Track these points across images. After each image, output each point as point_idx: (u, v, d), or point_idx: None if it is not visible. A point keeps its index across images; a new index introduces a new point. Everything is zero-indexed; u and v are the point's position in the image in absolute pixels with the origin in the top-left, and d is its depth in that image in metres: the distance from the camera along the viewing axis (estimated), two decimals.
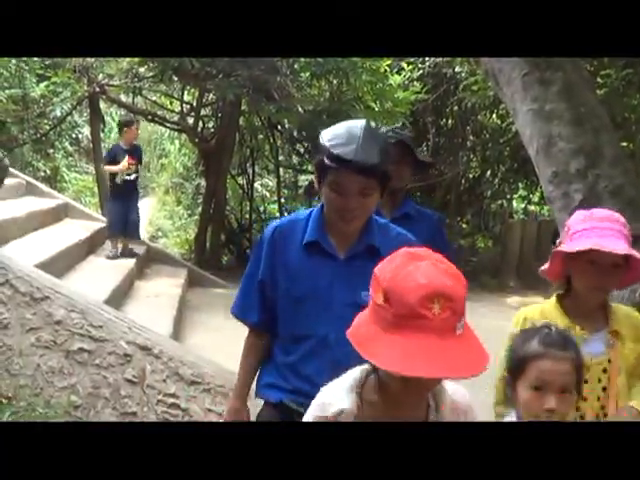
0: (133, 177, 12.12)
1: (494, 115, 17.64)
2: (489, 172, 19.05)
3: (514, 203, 20.58)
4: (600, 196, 4.08)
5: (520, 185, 19.41)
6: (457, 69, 15.95)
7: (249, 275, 3.46)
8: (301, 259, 3.27)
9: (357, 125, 3.07)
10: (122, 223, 11.87)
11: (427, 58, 16.57)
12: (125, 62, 15.00)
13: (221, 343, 8.91)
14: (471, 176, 18.96)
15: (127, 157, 11.79)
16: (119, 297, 9.26)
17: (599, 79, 11.57)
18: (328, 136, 3.09)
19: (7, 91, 17.45)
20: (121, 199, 11.92)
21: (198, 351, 6.94)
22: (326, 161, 3.03)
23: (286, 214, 20.05)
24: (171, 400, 5.69)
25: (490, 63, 5.12)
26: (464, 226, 20.02)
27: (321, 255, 3.27)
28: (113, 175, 11.95)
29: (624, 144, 12.86)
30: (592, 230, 3.16)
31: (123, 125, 12.43)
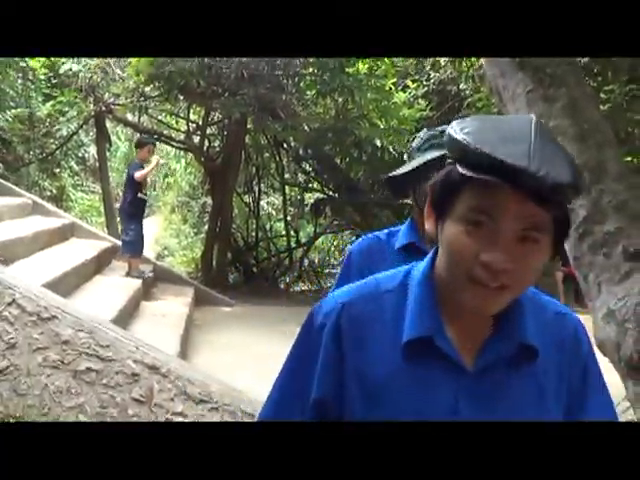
0: (147, 197, 12.22)
1: None
2: None
3: None
4: (604, 211, 4.08)
5: None
6: (462, 86, 15.97)
7: (289, 379, 1.79)
8: (398, 367, 1.67)
9: (519, 119, 1.64)
10: (142, 242, 11.96)
11: (432, 75, 16.61)
12: (131, 81, 15.04)
13: (228, 361, 8.92)
14: None
15: (156, 159, 11.96)
16: (126, 316, 9.24)
17: (602, 94, 11.57)
18: (464, 127, 1.60)
19: (13, 110, 17.53)
20: (138, 218, 11.98)
21: (205, 370, 6.93)
22: (461, 171, 1.55)
23: (292, 232, 20.13)
24: (179, 419, 5.68)
25: (494, 80, 5.12)
26: None
27: (435, 361, 1.66)
28: (135, 191, 11.94)
29: (629, 159, 12.87)
30: None
31: (135, 146, 12.64)
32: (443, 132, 2.97)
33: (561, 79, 4.67)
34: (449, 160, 1.65)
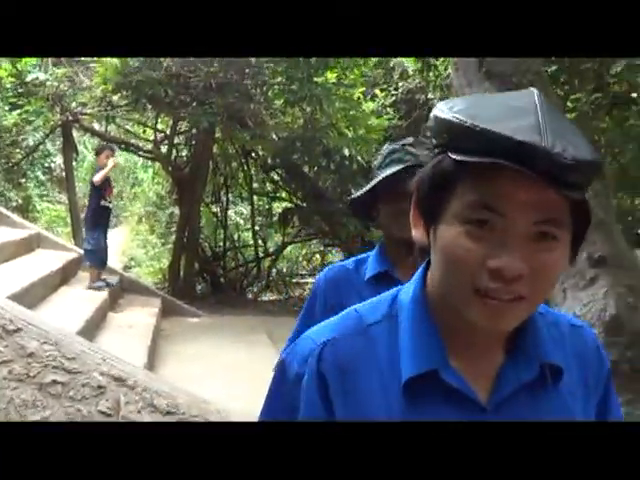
0: (111, 205, 12.12)
1: None
2: None
3: None
4: None
5: None
6: (430, 95, 16.01)
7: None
8: (400, 411, 1.40)
9: (519, 93, 1.39)
10: (105, 252, 11.85)
11: (400, 84, 16.64)
12: (99, 90, 14.94)
13: (196, 372, 8.86)
14: None
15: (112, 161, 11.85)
16: (92, 328, 9.17)
17: (569, 103, 11.64)
18: (453, 105, 1.34)
19: None
20: (101, 227, 11.87)
21: (173, 381, 6.87)
22: (454, 157, 1.30)
23: (260, 242, 20.09)
24: None
25: (461, 89, 5.14)
26: None
27: (443, 399, 1.40)
28: (98, 199, 11.84)
29: None
30: None
31: (95, 154, 12.59)
32: (404, 146, 2.82)
33: (527, 88, 4.67)
34: (436, 150, 1.36)
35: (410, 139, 2.86)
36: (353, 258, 3.00)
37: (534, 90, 1.35)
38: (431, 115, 1.37)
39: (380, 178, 2.75)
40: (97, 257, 11.80)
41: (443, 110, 1.33)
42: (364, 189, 2.84)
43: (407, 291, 1.47)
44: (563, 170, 1.22)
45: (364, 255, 2.96)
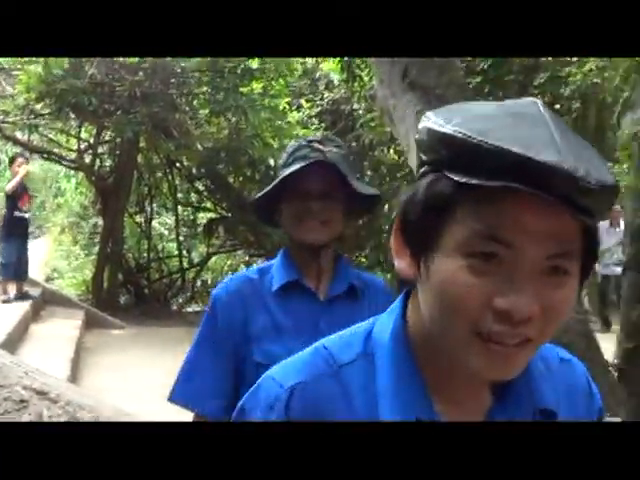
0: (28, 215, 11.90)
1: (391, 151, 17.84)
2: (387, 207, 19.23)
3: None
4: None
5: None
6: (355, 106, 16.10)
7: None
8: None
9: (521, 102, 1.20)
10: (17, 264, 11.59)
11: (325, 95, 16.71)
12: (21, 98, 14.72)
13: (120, 385, 8.77)
14: None
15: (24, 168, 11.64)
16: (14, 341, 9.04)
17: None
18: (449, 117, 1.15)
19: None
20: (16, 238, 11.64)
21: (96, 394, 6.80)
22: (456, 178, 1.10)
23: (185, 253, 19.98)
24: None
25: (385, 100, 5.18)
26: (363, 260, 20.13)
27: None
28: (11, 209, 11.62)
29: None
30: None
31: (9, 163, 12.37)
32: (311, 142, 2.54)
33: (449, 100, 4.74)
34: (424, 169, 1.16)
35: (318, 136, 2.71)
36: (256, 267, 2.74)
37: (537, 100, 1.18)
38: (421, 127, 1.18)
39: (283, 176, 2.45)
40: (9, 270, 11.57)
41: (438, 122, 1.14)
42: (266, 189, 2.51)
43: (384, 326, 1.27)
44: (586, 195, 1.05)
45: (267, 263, 2.68)
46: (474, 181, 1.06)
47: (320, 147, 2.51)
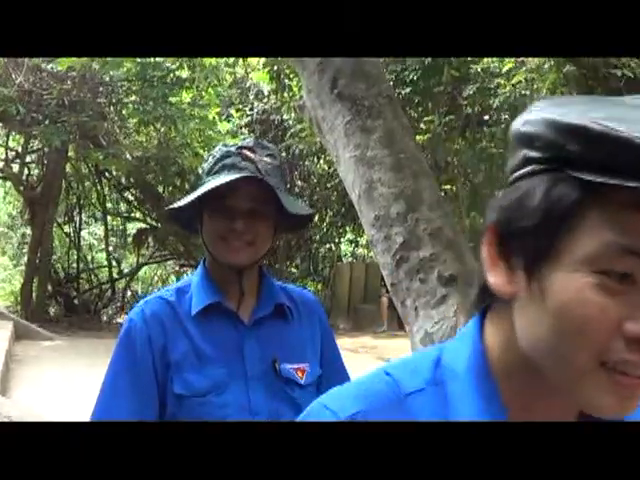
0: None
1: (321, 161, 17.94)
2: (317, 217, 19.32)
3: (342, 246, 20.94)
4: (420, 238, 4.19)
5: (348, 229, 19.83)
6: (285, 116, 16.15)
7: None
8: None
9: None
10: None
11: (255, 105, 16.74)
12: None
13: (50, 396, 8.68)
14: None
15: None
16: None
17: (422, 125, 11.95)
18: (576, 107, 0.96)
19: None
20: None
21: (26, 406, 6.73)
22: (589, 178, 0.89)
23: (114, 263, 19.82)
24: None
25: (314, 111, 5.21)
26: (294, 270, 20.20)
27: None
28: None
29: (447, 187, 13.33)
30: None
31: None
32: (241, 150, 2.24)
33: (379, 111, 4.80)
34: (533, 168, 0.96)
35: (249, 141, 2.36)
36: (172, 286, 2.42)
37: None
38: (532, 119, 0.98)
39: (208, 188, 2.16)
40: None
41: (561, 113, 0.94)
42: (187, 198, 2.27)
43: (457, 352, 1.09)
44: None
45: (185, 282, 2.40)
46: (614, 181, 0.87)
47: (251, 156, 2.23)
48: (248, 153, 2.24)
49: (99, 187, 18.41)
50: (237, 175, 2.16)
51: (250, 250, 2.24)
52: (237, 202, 2.19)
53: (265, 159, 2.26)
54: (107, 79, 14.25)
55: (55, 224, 17.84)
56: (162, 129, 15.00)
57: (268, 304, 2.32)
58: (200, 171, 2.39)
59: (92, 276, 19.91)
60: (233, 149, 2.25)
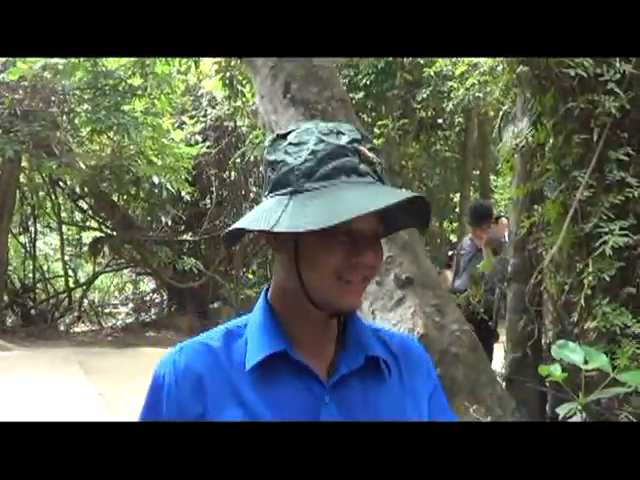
0: None
1: None
2: None
3: None
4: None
5: None
6: (239, 123, 16.12)
7: None
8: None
9: None
10: None
11: (209, 112, 16.69)
12: None
13: (7, 407, 8.59)
14: None
15: None
16: None
17: (376, 129, 11.97)
18: None
19: None
20: None
21: None
22: None
23: (71, 272, 19.66)
24: None
25: (267, 116, 5.21)
26: (250, 277, 20.15)
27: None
28: None
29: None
30: None
31: None
32: (355, 144, 1.61)
33: (332, 115, 4.82)
34: None
35: (352, 129, 1.66)
36: (220, 328, 1.73)
37: None
38: None
39: (361, 212, 1.47)
40: None
41: None
42: (299, 219, 1.51)
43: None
44: None
45: (238, 322, 1.74)
46: None
47: (370, 157, 1.62)
48: (367, 152, 1.62)
49: (53, 197, 18.26)
50: (378, 188, 1.59)
51: (364, 287, 1.66)
52: (364, 225, 1.59)
53: (377, 157, 1.65)
54: (59, 88, 14.14)
55: (10, 235, 17.67)
56: (115, 137, 14.89)
57: (357, 356, 1.67)
58: (284, 168, 1.60)
59: (48, 286, 19.75)
60: (344, 142, 1.60)
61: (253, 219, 1.60)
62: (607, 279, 4.36)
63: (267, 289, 1.73)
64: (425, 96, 12.65)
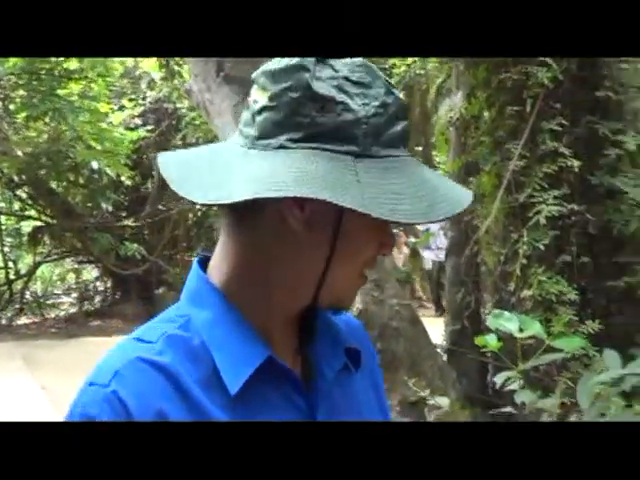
0: None
1: None
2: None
3: None
4: None
5: None
6: (178, 105, 15.98)
7: None
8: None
9: None
10: None
11: (147, 94, 16.53)
12: None
13: None
14: (198, 209, 18.96)
15: None
16: None
17: None
18: None
19: None
20: None
21: None
22: None
23: (11, 264, 19.40)
24: None
25: (201, 94, 5.16)
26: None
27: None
28: None
29: None
30: None
31: None
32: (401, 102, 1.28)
33: None
34: None
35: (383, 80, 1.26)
36: (154, 330, 1.26)
37: None
38: None
39: (456, 211, 1.23)
40: None
41: None
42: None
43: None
44: None
45: (174, 319, 1.28)
46: None
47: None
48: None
49: None
50: (435, 173, 1.36)
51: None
52: None
53: None
54: None
55: None
56: (52, 123, 14.69)
57: (335, 351, 1.38)
58: (346, 114, 1.18)
59: None
60: (398, 98, 1.25)
61: (295, 179, 1.13)
62: (542, 248, 4.40)
63: (204, 275, 1.31)
64: None
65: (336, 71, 1.21)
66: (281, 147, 1.17)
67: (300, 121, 1.17)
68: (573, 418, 3.50)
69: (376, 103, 1.20)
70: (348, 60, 1.23)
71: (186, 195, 1.19)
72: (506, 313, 3.48)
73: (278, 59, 1.26)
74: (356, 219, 1.16)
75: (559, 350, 3.40)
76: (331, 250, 1.21)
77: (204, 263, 1.34)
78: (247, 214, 1.23)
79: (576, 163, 4.49)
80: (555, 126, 4.61)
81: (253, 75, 1.29)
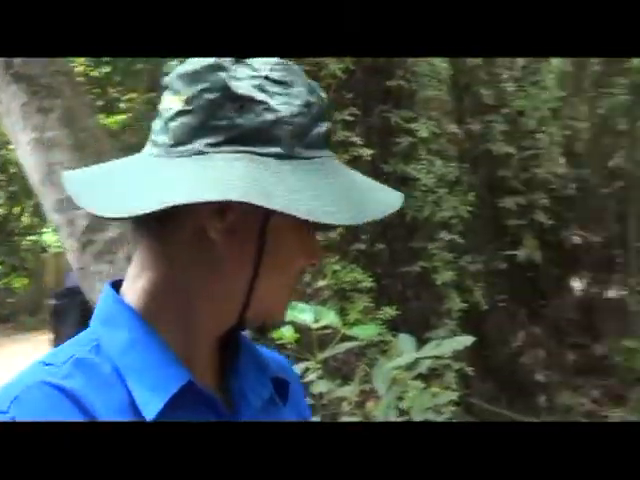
0: None
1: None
2: (18, 208, 18.69)
3: (47, 237, 20.31)
4: (104, 220, 4.11)
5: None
6: None
7: None
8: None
9: None
10: None
11: None
12: None
13: None
14: None
15: None
16: None
17: (123, 104, 11.77)
18: None
19: None
20: None
21: None
22: None
23: None
24: None
25: None
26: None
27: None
28: None
29: None
30: None
31: None
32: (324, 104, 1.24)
33: (57, 90, 4.64)
34: None
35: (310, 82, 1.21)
36: (61, 355, 1.14)
37: None
38: None
39: (387, 213, 1.18)
40: None
41: None
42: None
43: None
44: None
45: (84, 343, 1.16)
46: None
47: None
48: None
49: None
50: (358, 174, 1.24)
51: None
52: None
53: None
54: None
55: None
56: None
57: (261, 379, 1.30)
58: (266, 114, 1.12)
59: None
60: (322, 98, 1.22)
61: (209, 184, 1.06)
62: (335, 237, 4.46)
63: (116, 294, 1.21)
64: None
65: (255, 70, 1.14)
66: (200, 153, 1.10)
67: (218, 124, 1.10)
68: (370, 404, 3.56)
69: (299, 102, 1.15)
70: (268, 59, 1.17)
71: (86, 207, 1.10)
72: (300, 304, 3.51)
73: (191, 60, 1.17)
74: (282, 227, 1.12)
75: (355, 338, 3.45)
76: (257, 261, 1.13)
77: (118, 286, 1.22)
78: (164, 228, 1.13)
79: (369, 152, 4.57)
80: (347, 116, 4.68)
81: (165, 80, 1.18)
